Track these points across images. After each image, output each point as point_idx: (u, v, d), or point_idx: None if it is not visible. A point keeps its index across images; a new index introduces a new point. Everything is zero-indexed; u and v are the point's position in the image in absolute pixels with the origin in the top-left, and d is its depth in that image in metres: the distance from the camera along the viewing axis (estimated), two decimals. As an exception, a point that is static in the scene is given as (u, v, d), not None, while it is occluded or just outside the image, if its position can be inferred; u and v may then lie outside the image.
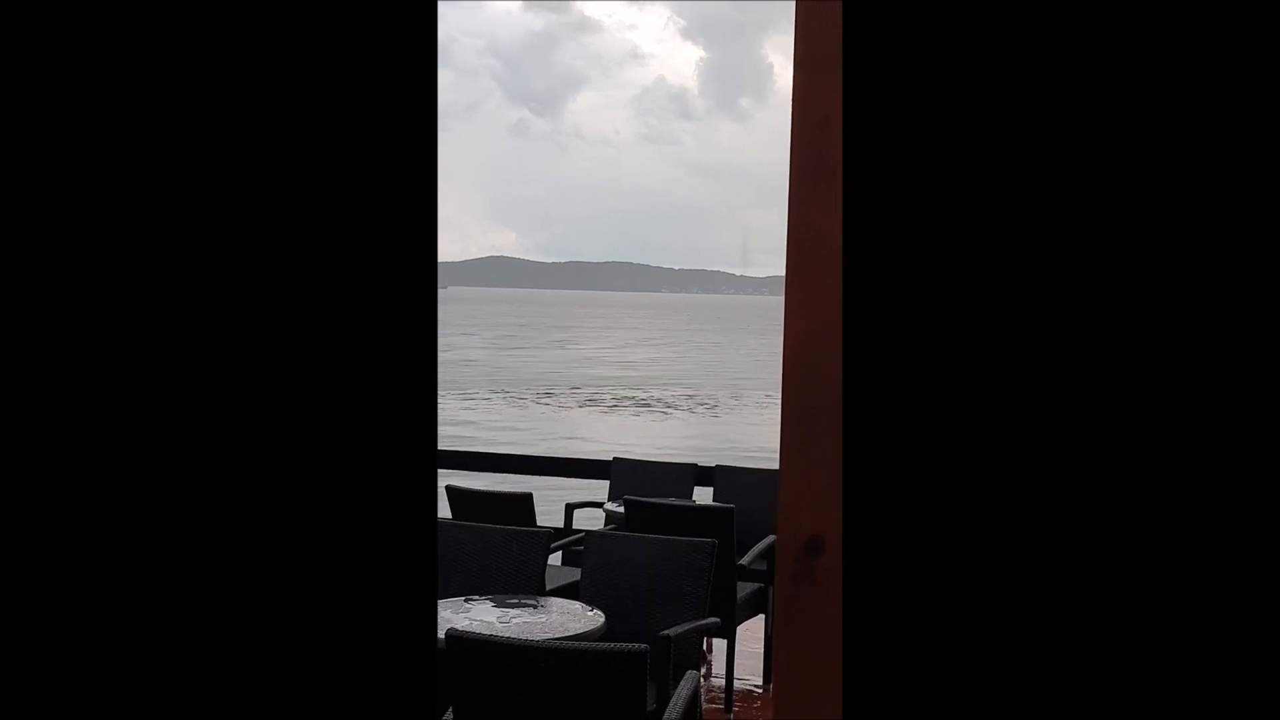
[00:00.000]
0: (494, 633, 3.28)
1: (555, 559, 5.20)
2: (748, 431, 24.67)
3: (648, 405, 30.91)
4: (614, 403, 31.20)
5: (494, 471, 7.27)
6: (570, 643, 2.74)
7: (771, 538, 5.10)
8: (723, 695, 4.73)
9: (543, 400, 31.34)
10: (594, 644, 2.67)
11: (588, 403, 31.12)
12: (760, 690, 5.05)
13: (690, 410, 30.34)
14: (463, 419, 25.64)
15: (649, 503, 5.02)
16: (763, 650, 5.21)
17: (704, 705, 4.18)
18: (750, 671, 5.17)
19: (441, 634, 3.16)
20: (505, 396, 31.85)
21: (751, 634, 5.22)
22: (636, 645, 2.62)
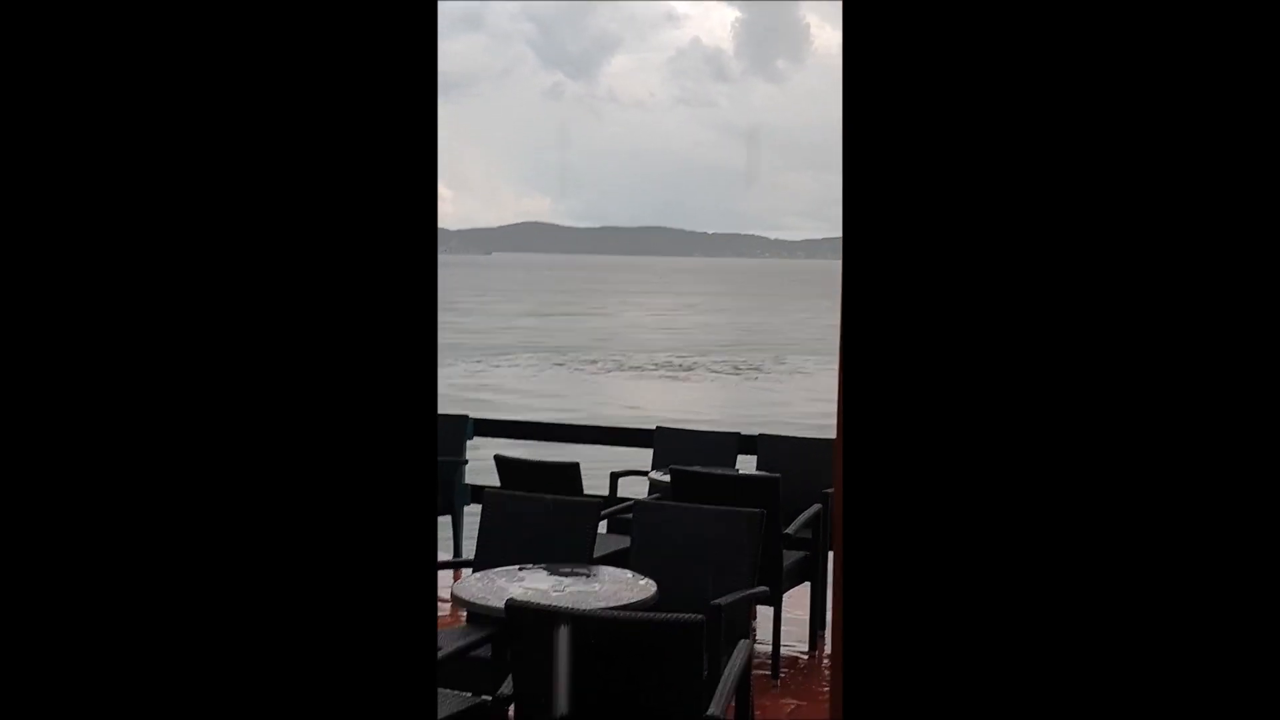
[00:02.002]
0: (549, 601, 3.34)
1: (601, 526, 5.26)
2: (794, 397, 24.64)
3: (693, 371, 30.93)
4: (657, 368, 31.23)
5: (538, 440, 7.34)
6: (628, 613, 2.79)
7: (817, 507, 5.13)
8: (769, 662, 4.79)
9: (587, 367, 31.42)
10: (651, 614, 2.72)
11: (632, 369, 31.19)
12: (806, 657, 5.11)
13: (737, 373, 30.32)
14: (511, 387, 25.82)
15: (696, 472, 5.07)
16: (808, 618, 5.26)
17: (752, 672, 4.24)
18: (796, 639, 5.23)
19: (499, 603, 3.23)
20: (551, 363, 31.99)
21: (796, 601, 5.27)
22: (693, 616, 2.66)
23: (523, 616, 2.79)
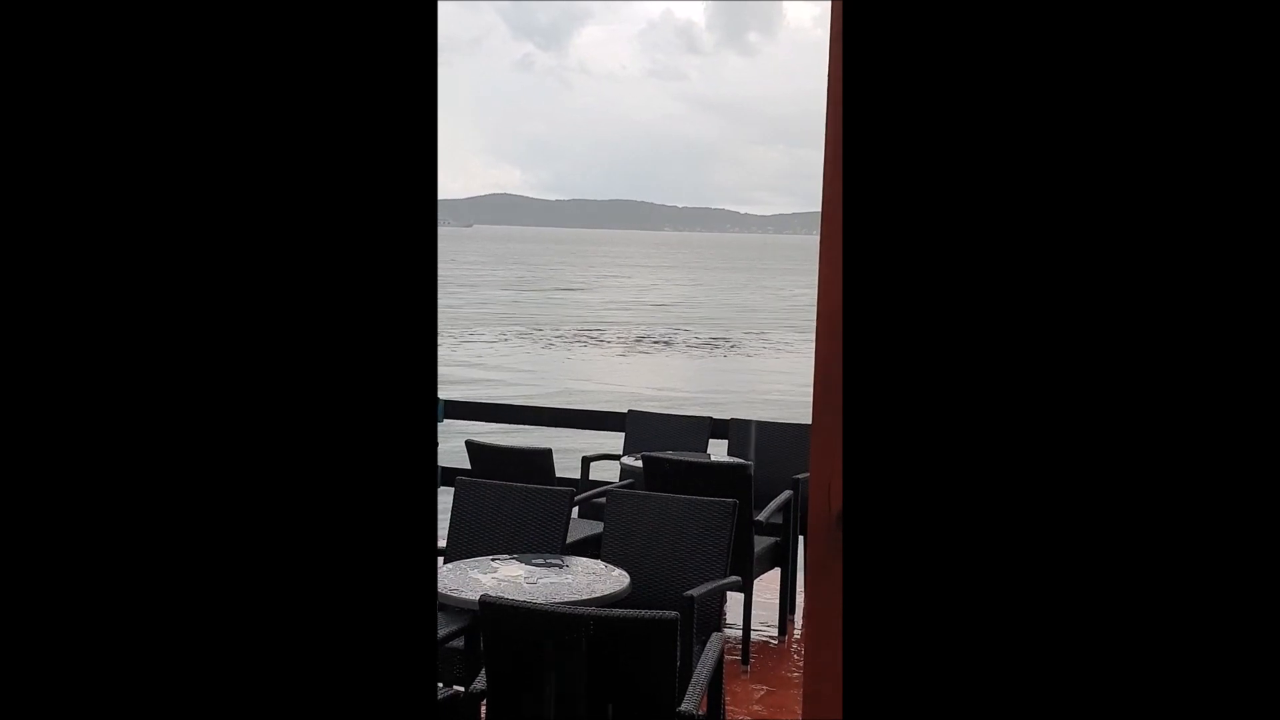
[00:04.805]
0: (522, 593, 3.35)
1: (573, 512, 5.27)
2: (777, 374, 24.71)
3: (670, 345, 30.96)
4: (636, 344, 31.23)
5: (509, 423, 7.34)
6: (603, 609, 2.80)
7: (788, 493, 5.16)
8: (739, 648, 4.82)
9: (563, 343, 31.36)
10: (626, 611, 2.73)
11: (611, 343, 31.19)
12: (776, 642, 5.15)
13: (720, 349, 30.38)
14: (496, 364, 25.79)
15: (667, 459, 5.08)
16: (778, 602, 5.29)
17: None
18: (766, 623, 5.27)
19: (473, 595, 3.23)
20: (526, 338, 31.96)
21: (766, 584, 5.31)
22: (668, 613, 2.68)
23: (497, 613, 2.80)
